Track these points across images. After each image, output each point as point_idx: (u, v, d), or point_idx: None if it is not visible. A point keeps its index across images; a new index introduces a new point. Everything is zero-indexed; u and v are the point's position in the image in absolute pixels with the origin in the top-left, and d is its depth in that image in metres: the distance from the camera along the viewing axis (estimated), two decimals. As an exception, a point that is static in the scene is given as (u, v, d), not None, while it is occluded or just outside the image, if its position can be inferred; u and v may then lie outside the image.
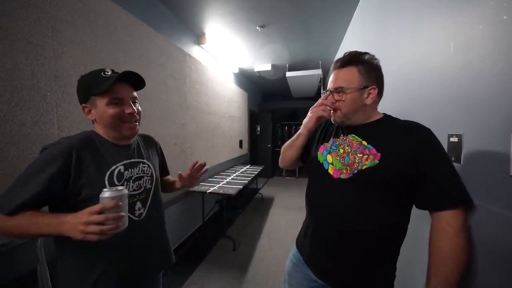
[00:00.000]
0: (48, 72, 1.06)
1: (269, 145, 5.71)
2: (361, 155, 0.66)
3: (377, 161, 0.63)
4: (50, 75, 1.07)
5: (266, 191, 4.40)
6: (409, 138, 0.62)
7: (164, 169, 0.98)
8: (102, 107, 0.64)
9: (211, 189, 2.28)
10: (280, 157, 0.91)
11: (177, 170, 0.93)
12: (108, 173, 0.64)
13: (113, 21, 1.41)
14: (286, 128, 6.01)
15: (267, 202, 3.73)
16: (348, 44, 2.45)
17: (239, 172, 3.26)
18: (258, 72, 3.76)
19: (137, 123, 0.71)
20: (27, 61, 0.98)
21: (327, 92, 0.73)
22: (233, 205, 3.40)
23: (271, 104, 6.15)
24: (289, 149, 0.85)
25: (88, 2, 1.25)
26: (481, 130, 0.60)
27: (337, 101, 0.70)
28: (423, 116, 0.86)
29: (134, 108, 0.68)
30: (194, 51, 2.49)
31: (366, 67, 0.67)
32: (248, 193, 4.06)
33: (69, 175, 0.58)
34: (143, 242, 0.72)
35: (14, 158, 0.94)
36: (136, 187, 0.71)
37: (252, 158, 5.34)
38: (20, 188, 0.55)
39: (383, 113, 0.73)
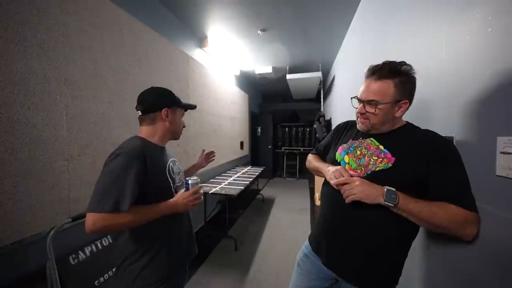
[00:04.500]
0: (58, 77, 1.10)
1: (269, 146, 5.74)
2: (376, 158, 0.70)
3: (390, 165, 0.66)
4: (60, 79, 1.11)
5: (267, 192, 4.43)
6: (425, 144, 0.64)
7: None
8: (178, 116, 0.89)
9: (213, 190, 2.31)
10: (307, 163, 1.02)
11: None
12: (166, 168, 0.82)
13: (120, 27, 1.46)
14: (287, 129, 6.04)
15: (268, 203, 3.75)
16: (348, 46, 2.50)
17: (240, 173, 3.29)
18: (259, 74, 3.81)
19: None
20: (39, 65, 1.02)
21: (357, 101, 0.74)
22: (235, 206, 3.42)
23: (271, 105, 6.19)
24: (314, 170, 0.95)
25: (97, 9, 1.30)
26: (470, 132, 0.64)
27: (367, 112, 0.70)
28: (416, 118, 0.89)
29: None
30: (197, 54, 2.54)
31: (402, 80, 0.66)
32: (249, 194, 4.09)
33: (147, 172, 0.72)
34: (184, 231, 0.90)
35: (26, 159, 0.98)
36: (179, 180, 0.90)
37: (253, 159, 5.37)
38: (118, 191, 0.66)
39: (406, 121, 0.75)
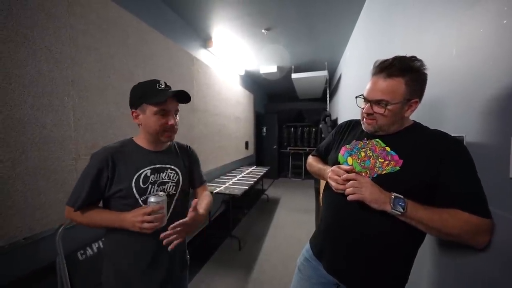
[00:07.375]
0: (66, 78, 1.14)
1: (274, 146, 5.72)
2: (382, 160, 0.66)
3: (398, 168, 0.62)
4: (67, 80, 1.14)
5: (271, 192, 4.41)
6: (434, 146, 0.60)
7: (198, 179, 0.93)
8: (150, 115, 0.73)
9: (218, 189, 2.33)
10: (308, 167, 0.98)
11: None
12: (135, 176, 0.73)
13: (125, 29, 1.49)
14: (292, 129, 6.00)
15: (273, 203, 3.74)
16: (354, 44, 2.45)
17: (245, 173, 3.29)
18: (264, 74, 3.80)
19: (175, 133, 0.80)
20: (48, 67, 1.06)
21: (363, 100, 0.68)
22: (239, 206, 3.43)
23: (277, 105, 6.17)
24: (315, 174, 0.91)
25: (103, 11, 1.33)
26: (482, 132, 0.61)
27: (375, 112, 0.65)
28: (425, 117, 0.86)
29: (176, 120, 0.77)
30: (201, 54, 2.56)
31: (414, 77, 0.60)
32: (253, 194, 4.09)
33: (107, 177, 0.71)
34: (162, 247, 0.73)
35: (35, 158, 1.02)
36: (160, 191, 0.76)
37: (258, 159, 5.37)
38: (79, 190, 0.71)
39: (413, 120, 0.71)
